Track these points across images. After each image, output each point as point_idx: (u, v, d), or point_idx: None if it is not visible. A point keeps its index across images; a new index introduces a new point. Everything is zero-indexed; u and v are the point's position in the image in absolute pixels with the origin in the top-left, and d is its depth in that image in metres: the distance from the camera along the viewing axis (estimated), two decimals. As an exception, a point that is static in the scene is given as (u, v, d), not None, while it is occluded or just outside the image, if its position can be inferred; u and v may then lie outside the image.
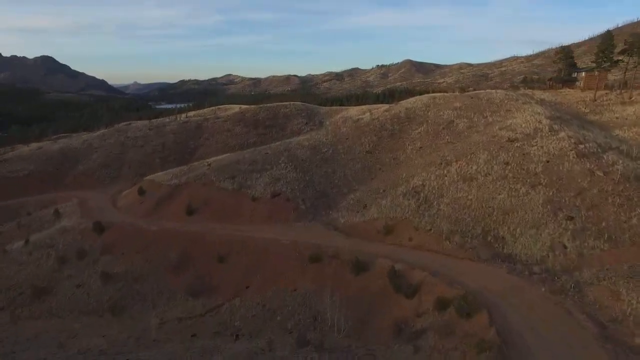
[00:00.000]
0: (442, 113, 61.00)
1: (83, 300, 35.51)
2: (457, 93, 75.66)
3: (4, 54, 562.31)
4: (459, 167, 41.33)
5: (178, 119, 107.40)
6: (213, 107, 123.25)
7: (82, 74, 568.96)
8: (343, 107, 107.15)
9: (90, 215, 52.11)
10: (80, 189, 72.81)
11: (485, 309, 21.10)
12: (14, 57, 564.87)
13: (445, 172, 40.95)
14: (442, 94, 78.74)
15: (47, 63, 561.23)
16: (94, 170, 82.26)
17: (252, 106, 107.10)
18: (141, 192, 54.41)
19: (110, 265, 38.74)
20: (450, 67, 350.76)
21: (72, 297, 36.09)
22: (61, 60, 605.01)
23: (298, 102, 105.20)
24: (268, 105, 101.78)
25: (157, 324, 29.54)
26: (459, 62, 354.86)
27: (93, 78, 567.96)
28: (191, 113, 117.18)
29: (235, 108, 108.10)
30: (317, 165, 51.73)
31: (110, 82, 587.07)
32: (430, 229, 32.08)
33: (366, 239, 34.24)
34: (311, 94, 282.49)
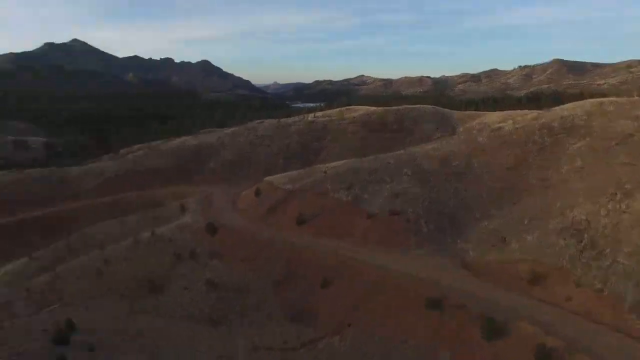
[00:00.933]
0: (614, 124, 48.17)
1: (187, 304, 34.88)
2: (637, 97, 60.22)
3: (175, 60, 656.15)
4: (644, 200, 30.65)
5: (305, 118, 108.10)
6: (341, 108, 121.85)
7: (231, 75, 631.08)
8: (479, 112, 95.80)
9: (209, 213, 53.25)
10: (209, 184, 76.67)
11: None
12: (182, 63, 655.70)
13: (622, 206, 30.67)
14: (612, 98, 63.58)
15: (205, 67, 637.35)
16: (223, 167, 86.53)
17: (379, 108, 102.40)
18: (258, 193, 53.92)
19: (216, 271, 37.85)
20: (613, 66, 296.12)
21: (179, 299, 35.78)
22: (215, 63, 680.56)
23: (428, 106, 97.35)
24: (396, 107, 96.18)
25: (247, 350, 26.72)
26: (626, 59, 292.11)
27: (239, 78, 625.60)
28: (319, 113, 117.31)
29: (363, 110, 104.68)
30: (446, 181, 44.65)
31: (253, 82, 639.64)
32: (602, 290, 23.33)
33: (503, 285, 26.78)
34: (444, 96, 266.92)
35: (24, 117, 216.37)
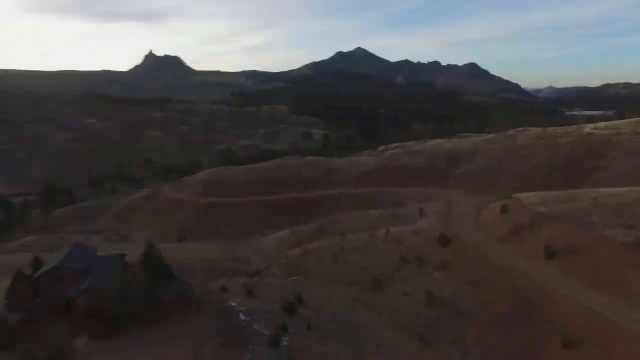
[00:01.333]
0: None
1: (403, 311, 34.28)
2: None
3: (442, 63, 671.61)
4: None
5: (581, 129, 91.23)
6: (636, 119, 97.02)
7: (498, 77, 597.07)
8: None
9: (446, 221, 51.19)
10: (454, 190, 73.99)
11: None
12: (448, 65, 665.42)
13: None
14: None
15: (472, 69, 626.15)
16: (472, 175, 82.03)
17: (699, 123, 76.31)
18: (504, 210, 48.24)
19: (439, 285, 35.81)
20: None
21: (397, 304, 35.57)
22: (482, 66, 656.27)
23: None
24: None
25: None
26: None
27: (507, 82, 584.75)
28: (601, 124, 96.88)
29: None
30: None
31: (523, 85, 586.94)
32: None
33: None
34: None
35: (313, 112, 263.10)
